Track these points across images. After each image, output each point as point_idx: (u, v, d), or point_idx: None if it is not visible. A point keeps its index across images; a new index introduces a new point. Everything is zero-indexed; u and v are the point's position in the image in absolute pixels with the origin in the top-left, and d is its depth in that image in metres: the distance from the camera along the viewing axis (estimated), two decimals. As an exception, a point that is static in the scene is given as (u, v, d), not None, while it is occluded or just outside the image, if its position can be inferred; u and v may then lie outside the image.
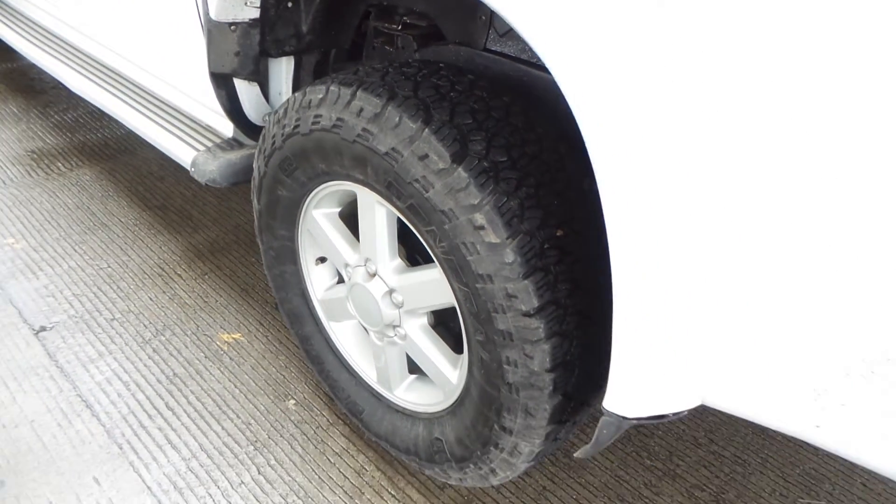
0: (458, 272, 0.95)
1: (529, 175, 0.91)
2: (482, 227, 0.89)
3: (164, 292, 1.78)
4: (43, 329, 1.62)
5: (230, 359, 1.59)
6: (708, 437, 1.51)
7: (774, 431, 0.86)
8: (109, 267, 1.85)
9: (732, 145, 0.64)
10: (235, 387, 1.52)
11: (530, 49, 0.83)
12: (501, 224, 0.88)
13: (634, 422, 0.84)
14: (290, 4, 1.28)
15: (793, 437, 0.82)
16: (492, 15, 1.14)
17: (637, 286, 0.76)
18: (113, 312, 1.70)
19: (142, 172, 2.30)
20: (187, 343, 1.63)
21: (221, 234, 2.02)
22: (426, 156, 0.91)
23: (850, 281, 0.62)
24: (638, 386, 0.83)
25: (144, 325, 1.67)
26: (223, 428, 1.42)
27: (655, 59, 0.66)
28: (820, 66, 0.57)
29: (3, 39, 2.29)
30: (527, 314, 0.90)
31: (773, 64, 0.59)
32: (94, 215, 2.06)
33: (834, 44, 0.56)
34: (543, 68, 0.85)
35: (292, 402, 1.50)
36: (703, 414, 1.57)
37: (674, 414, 0.85)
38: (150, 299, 1.75)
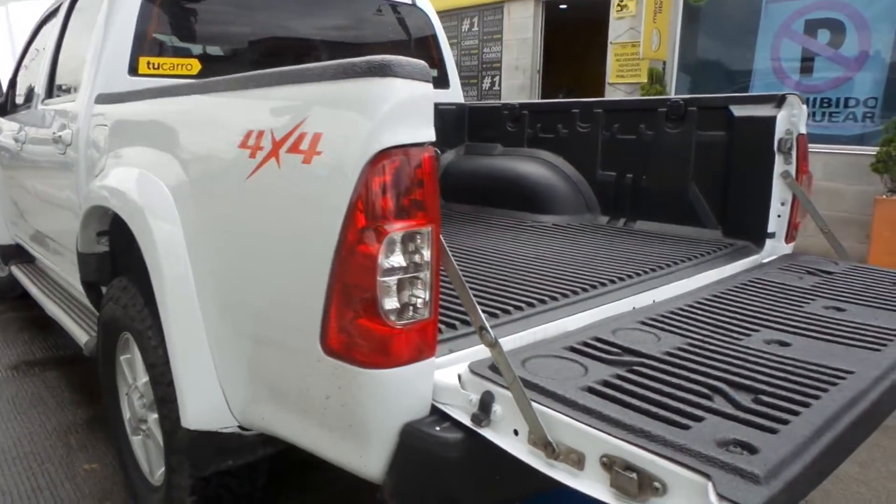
0: (149, 367, 1.75)
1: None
2: (150, 339, 1.72)
3: (59, 441, 2.56)
4: (-29, 461, 2.41)
5: (88, 478, 2.32)
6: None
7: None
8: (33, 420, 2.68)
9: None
10: (89, 493, 2.23)
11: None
12: (157, 339, 1.71)
13: (193, 431, 1.55)
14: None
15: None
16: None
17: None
18: (22, 447, 2.49)
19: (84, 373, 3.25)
20: (59, 469, 2.37)
21: (94, 411, 2.86)
22: (135, 306, 1.80)
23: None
24: (191, 417, 1.57)
25: (42, 458, 2.44)
26: (55, 515, 2.10)
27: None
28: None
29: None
30: (168, 384, 1.67)
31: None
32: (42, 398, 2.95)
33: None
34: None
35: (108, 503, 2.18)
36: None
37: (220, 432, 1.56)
38: (50, 444, 2.54)
